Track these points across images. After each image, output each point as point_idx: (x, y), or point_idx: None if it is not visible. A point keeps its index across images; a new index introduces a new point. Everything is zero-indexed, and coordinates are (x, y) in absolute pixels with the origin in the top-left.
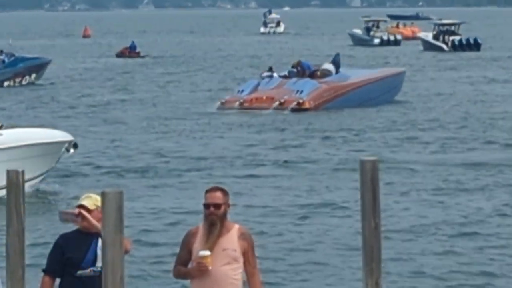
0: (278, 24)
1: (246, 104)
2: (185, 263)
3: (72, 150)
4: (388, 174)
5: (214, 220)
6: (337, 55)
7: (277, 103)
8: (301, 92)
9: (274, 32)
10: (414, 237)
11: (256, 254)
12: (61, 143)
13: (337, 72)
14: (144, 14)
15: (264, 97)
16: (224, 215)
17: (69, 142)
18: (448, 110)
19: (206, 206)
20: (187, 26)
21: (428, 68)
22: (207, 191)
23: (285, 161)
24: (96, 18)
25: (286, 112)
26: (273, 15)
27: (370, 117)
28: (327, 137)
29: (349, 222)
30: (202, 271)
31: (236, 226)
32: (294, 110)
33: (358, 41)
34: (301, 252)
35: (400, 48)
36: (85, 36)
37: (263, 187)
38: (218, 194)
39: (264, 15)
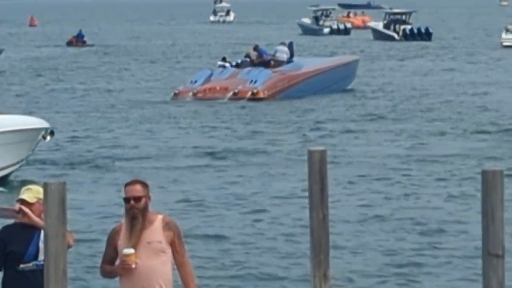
0: (228, 13)
1: (199, 95)
2: (111, 261)
3: (48, 138)
4: (339, 165)
5: (136, 214)
6: (291, 43)
7: (231, 93)
8: (255, 82)
9: (224, 21)
10: (362, 228)
11: (184, 242)
12: (38, 130)
13: (290, 61)
14: (91, 2)
15: (218, 87)
16: (146, 208)
17: (46, 129)
18: (401, 100)
19: (126, 200)
20: (136, 14)
21: (380, 57)
22: (126, 185)
23: (233, 151)
24: (41, 6)
25: (241, 102)
26: (223, 4)
27: (324, 106)
28: (280, 127)
29: (298, 213)
30: (126, 269)
31: (160, 217)
32: (249, 100)
33: (307, 31)
34: (251, 244)
35: (350, 38)
36: (31, 25)
37: (214, 177)
38: (138, 187)
39: (214, 3)
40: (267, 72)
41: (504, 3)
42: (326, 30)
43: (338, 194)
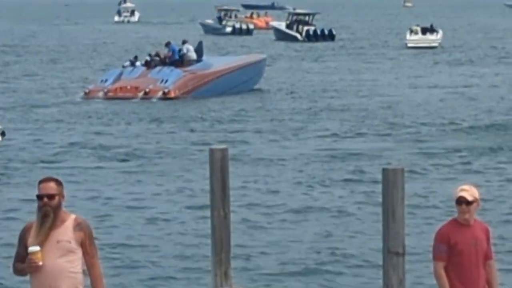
0: (132, 13)
1: (110, 94)
2: (23, 260)
3: (0, 138)
4: (244, 164)
5: (48, 211)
6: (200, 43)
7: (142, 92)
8: (166, 81)
9: (128, 21)
10: (264, 227)
11: (96, 243)
12: None
13: (200, 60)
14: None
15: (129, 87)
16: (59, 206)
17: None
18: (306, 100)
19: (39, 197)
20: (38, 15)
21: (284, 57)
22: (40, 182)
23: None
24: None
25: (153, 101)
26: (128, 4)
27: (232, 106)
28: (188, 127)
29: (200, 212)
30: (33, 267)
31: (73, 217)
32: (160, 100)
33: (209, 30)
34: (152, 244)
35: (252, 38)
36: None
37: (116, 177)
38: (52, 184)
39: (119, 4)
40: (178, 71)
41: (408, 4)
42: (228, 29)
43: (240, 192)
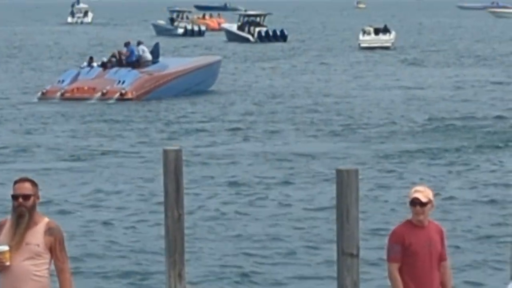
0: (86, 14)
1: (67, 95)
2: None
3: None
4: (199, 165)
5: (23, 212)
6: (156, 44)
7: (99, 93)
8: (123, 82)
9: (81, 22)
10: (219, 228)
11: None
12: None
13: (156, 61)
14: None
15: (86, 87)
16: (33, 206)
17: None
18: (259, 101)
19: (15, 197)
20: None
21: (236, 59)
22: (15, 182)
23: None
24: None
25: (110, 102)
26: (81, 5)
27: (187, 107)
28: (143, 128)
29: (154, 213)
30: (0, 266)
31: (46, 220)
32: (117, 100)
33: (161, 31)
34: (107, 244)
35: (204, 39)
36: None
37: (70, 178)
38: (27, 185)
39: (72, 5)
40: (135, 72)
41: (361, 5)
42: (180, 31)
43: (194, 193)
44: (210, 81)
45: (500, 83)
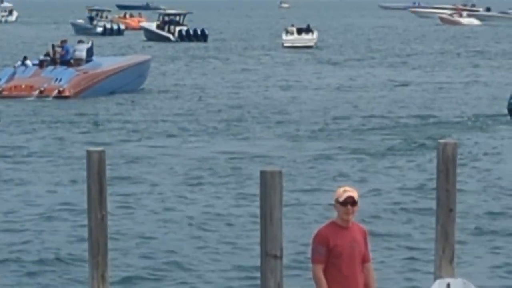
0: (10, 12)
1: (5, 93)
2: None
3: None
4: (125, 165)
5: None
6: (91, 43)
7: (37, 91)
8: (60, 80)
9: (6, 21)
10: (143, 229)
11: None
12: None
13: (90, 60)
14: None
15: (23, 85)
16: None
17: None
18: (188, 100)
19: None
20: None
21: (158, 58)
22: None
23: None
24: None
25: (48, 100)
26: (6, 4)
27: (117, 106)
28: (74, 127)
29: (78, 214)
30: None
31: None
32: (55, 98)
33: (80, 30)
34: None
35: (123, 38)
36: None
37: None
38: None
39: None
40: (71, 70)
41: (285, 5)
42: (99, 30)
43: (118, 194)
44: (142, 80)
45: (421, 83)
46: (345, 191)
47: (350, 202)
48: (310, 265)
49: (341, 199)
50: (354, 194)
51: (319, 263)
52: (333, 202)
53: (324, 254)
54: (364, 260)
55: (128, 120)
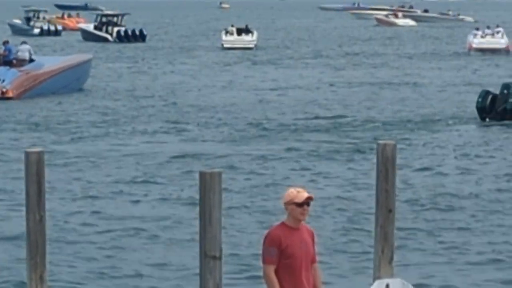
0: None
1: None
2: None
3: None
4: (66, 165)
5: None
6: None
7: None
8: (3, 81)
9: None
10: (83, 230)
11: None
12: None
13: (32, 60)
14: None
15: None
16: None
17: None
18: (127, 101)
19: None
20: None
21: (96, 59)
22: None
23: None
24: None
25: None
26: None
27: (59, 106)
28: (14, 128)
29: (16, 215)
30: None
31: None
32: None
33: (17, 31)
34: None
35: (60, 39)
36: None
37: None
38: None
39: None
40: (14, 71)
41: (225, 5)
42: (36, 30)
43: (57, 195)
44: (83, 79)
45: (361, 83)
46: (299, 192)
47: (307, 203)
48: (257, 265)
49: (298, 200)
50: (310, 194)
51: (270, 263)
52: (283, 203)
53: (276, 255)
54: (312, 261)
55: (70, 120)
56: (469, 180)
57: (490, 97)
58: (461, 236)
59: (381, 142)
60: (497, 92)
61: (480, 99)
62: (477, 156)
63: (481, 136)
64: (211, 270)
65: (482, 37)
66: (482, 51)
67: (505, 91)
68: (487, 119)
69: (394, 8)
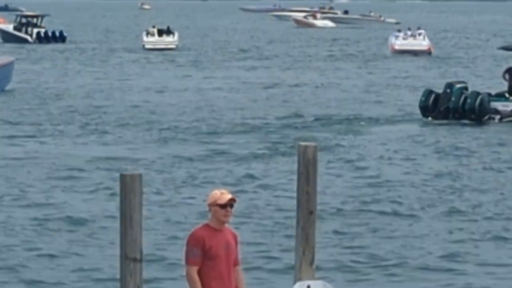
0: None
1: None
2: None
3: None
4: None
5: None
6: None
7: None
8: None
9: None
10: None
11: None
12: None
13: None
14: None
15: None
16: None
17: None
18: (44, 103)
19: None
20: None
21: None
22: None
23: None
24: None
25: None
26: None
27: None
28: None
29: None
30: None
31: None
32: None
33: None
34: None
35: None
36: None
37: None
38: None
39: None
40: None
41: (146, 6)
42: None
43: None
44: (6, 82)
45: (281, 84)
46: (222, 193)
47: (230, 204)
48: (180, 267)
49: (221, 202)
50: (233, 196)
51: (194, 264)
52: (207, 204)
53: (199, 256)
54: (235, 263)
55: None
56: (403, 180)
57: (433, 96)
58: (386, 239)
59: (302, 144)
60: (440, 91)
61: (423, 98)
62: (413, 154)
63: (422, 134)
64: (131, 272)
65: (404, 38)
66: (404, 52)
67: (448, 90)
68: (430, 118)
69: (314, 9)
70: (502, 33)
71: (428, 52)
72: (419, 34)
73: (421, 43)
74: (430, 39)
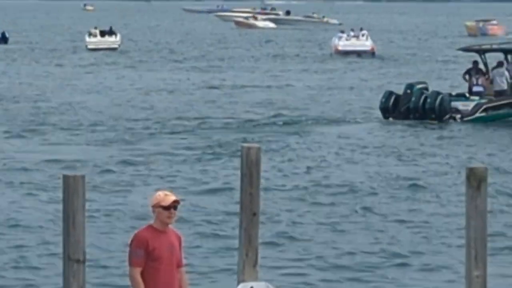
0: None
1: None
2: None
3: None
4: None
5: None
6: None
7: None
8: None
9: None
10: None
11: None
12: None
13: None
14: None
15: None
16: None
17: None
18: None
19: None
20: None
21: None
22: None
23: None
24: None
25: None
26: None
27: None
28: None
29: None
30: None
31: None
32: None
33: None
34: None
35: None
36: None
37: None
38: None
39: None
40: None
41: (89, 8)
42: None
43: None
44: None
45: (224, 85)
46: (166, 195)
47: (174, 206)
48: (123, 268)
49: (165, 204)
50: (177, 198)
51: (137, 266)
52: (150, 206)
53: (143, 257)
54: (179, 265)
55: None
56: (357, 181)
57: (393, 97)
58: (331, 239)
59: (245, 145)
60: (400, 92)
61: (383, 99)
62: (366, 155)
63: (381, 135)
64: (74, 273)
65: (347, 39)
66: (347, 53)
67: (408, 91)
68: (390, 119)
69: (256, 10)
70: (443, 33)
71: (371, 53)
72: (362, 35)
73: (364, 43)
74: (373, 40)
